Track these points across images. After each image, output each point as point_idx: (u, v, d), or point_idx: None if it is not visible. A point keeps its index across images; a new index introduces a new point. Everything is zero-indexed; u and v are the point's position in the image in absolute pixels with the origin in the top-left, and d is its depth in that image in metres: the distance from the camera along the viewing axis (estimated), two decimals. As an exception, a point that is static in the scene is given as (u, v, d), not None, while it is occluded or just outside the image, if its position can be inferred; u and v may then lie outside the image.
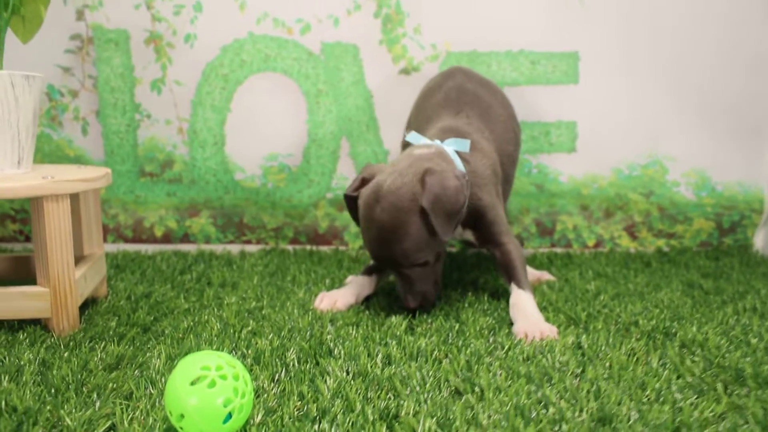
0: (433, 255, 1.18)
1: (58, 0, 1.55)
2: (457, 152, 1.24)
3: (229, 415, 0.72)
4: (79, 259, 1.25)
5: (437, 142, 1.25)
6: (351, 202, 1.22)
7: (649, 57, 1.74)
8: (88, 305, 1.24)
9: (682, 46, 1.74)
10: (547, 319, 1.19)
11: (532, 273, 1.52)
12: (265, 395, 0.85)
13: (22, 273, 1.34)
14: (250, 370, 0.92)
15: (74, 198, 1.24)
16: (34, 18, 1.24)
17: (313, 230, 1.74)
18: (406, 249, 1.13)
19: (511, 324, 1.16)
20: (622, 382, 0.90)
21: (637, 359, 0.99)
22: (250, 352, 0.98)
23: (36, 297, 1.08)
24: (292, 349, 0.99)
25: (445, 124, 1.33)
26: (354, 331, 1.09)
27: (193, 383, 0.72)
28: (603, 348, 1.02)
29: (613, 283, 1.47)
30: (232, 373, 0.73)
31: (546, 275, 1.52)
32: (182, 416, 0.72)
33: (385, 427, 0.76)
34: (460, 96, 1.41)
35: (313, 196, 1.72)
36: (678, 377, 0.93)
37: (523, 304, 1.19)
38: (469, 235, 1.31)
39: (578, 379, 0.91)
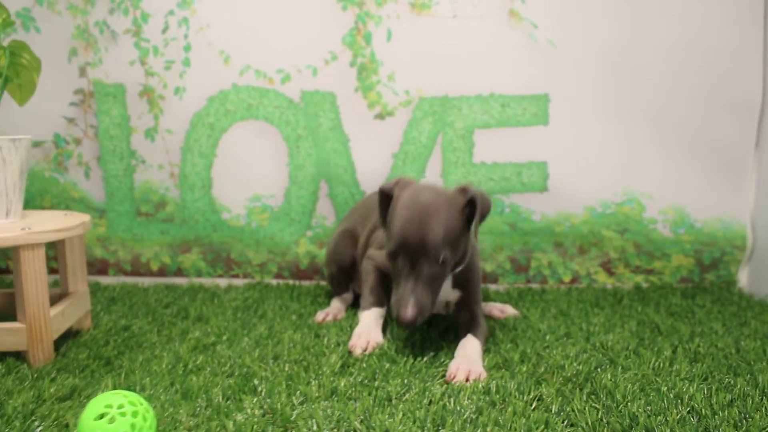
0: (450, 257, 1.23)
1: (63, 58, 1.74)
2: None
3: (125, 448, 0.83)
4: (63, 296, 1.40)
5: None
6: (384, 195, 1.31)
7: (623, 95, 1.77)
8: (70, 337, 1.38)
9: (657, 84, 1.76)
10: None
11: (494, 305, 1.58)
12: (180, 427, 0.95)
13: (13, 308, 1.49)
14: (177, 404, 1.03)
15: (60, 242, 1.39)
16: (28, 84, 1.41)
17: (295, 266, 1.85)
18: (439, 235, 1.19)
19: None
20: (509, 429, 0.96)
21: (539, 405, 1.04)
22: (182, 387, 1.09)
23: (14, 332, 1.23)
24: (219, 385, 1.10)
25: None
26: (288, 368, 1.18)
27: (96, 418, 0.84)
28: (511, 393, 1.08)
29: (568, 322, 1.51)
30: (131, 410, 0.85)
31: (509, 309, 1.57)
32: (87, 447, 0.83)
33: (267, 464, 0.85)
34: None
35: (294, 234, 1.83)
36: (570, 425, 0.98)
37: (469, 346, 1.26)
38: (455, 296, 1.40)
39: (469, 423, 0.98)
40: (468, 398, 1.06)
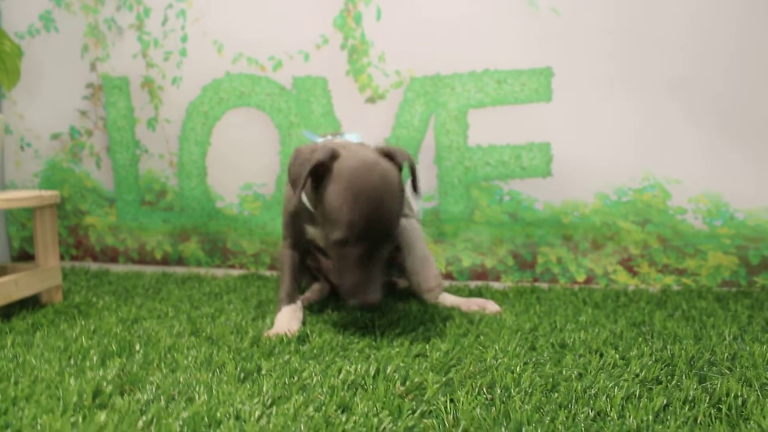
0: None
1: (76, 54, 1.85)
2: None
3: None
4: (29, 268, 1.47)
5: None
6: (315, 167, 1.12)
7: (641, 66, 1.54)
8: (32, 307, 1.43)
9: (686, 51, 1.51)
10: (405, 349, 1.11)
11: (474, 301, 1.41)
12: (27, 375, 0.93)
13: None
14: (47, 360, 1.02)
15: (33, 218, 1.47)
16: (14, 70, 1.52)
17: (287, 256, 1.80)
18: (397, 215, 1.12)
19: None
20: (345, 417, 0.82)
21: (416, 395, 0.89)
22: (64, 347, 1.08)
23: (-37, 296, 1.30)
24: (98, 350, 1.07)
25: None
26: (191, 341, 1.13)
27: None
28: (389, 378, 0.94)
29: (544, 320, 1.31)
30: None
31: (491, 305, 1.40)
32: None
33: None
34: None
35: (285, 223, 1.78)
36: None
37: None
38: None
39: (299, 405, 0.85)
40: (339, 379, 0.93)
